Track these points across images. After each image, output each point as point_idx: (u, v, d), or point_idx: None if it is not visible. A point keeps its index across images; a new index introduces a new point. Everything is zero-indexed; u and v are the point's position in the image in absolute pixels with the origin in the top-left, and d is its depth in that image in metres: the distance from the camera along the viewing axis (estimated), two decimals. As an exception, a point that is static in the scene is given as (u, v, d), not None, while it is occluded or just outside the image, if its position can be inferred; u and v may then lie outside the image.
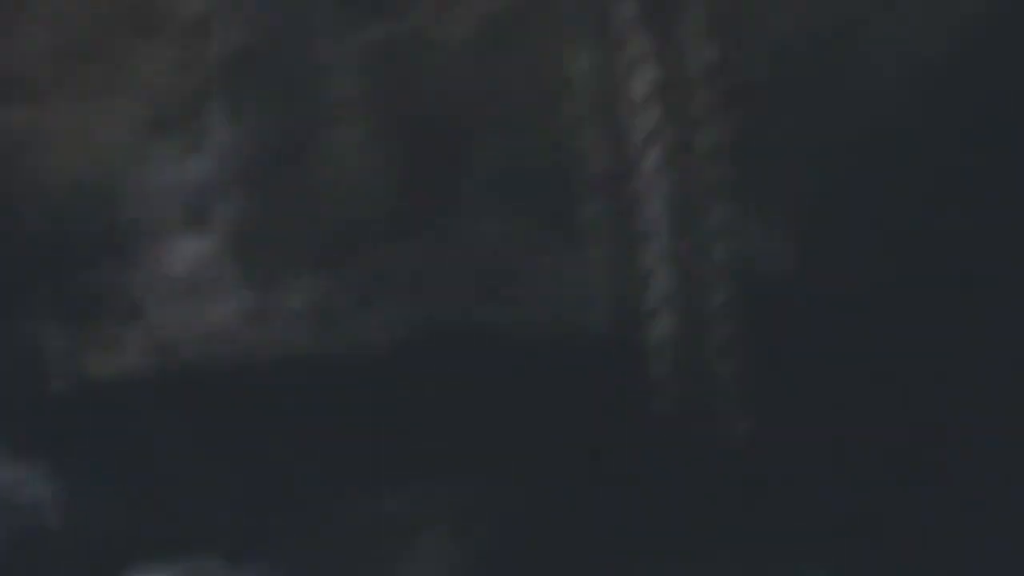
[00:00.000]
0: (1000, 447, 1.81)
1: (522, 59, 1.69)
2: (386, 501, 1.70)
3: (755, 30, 1.63)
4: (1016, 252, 1.74)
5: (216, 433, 1.74)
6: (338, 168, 1.70)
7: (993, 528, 1.73)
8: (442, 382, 1.71)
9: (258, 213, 1.70)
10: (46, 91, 1.73)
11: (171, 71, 1.67)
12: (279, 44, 1.69)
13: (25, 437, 1.81)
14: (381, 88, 1.67)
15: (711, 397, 1.69)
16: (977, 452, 1.80)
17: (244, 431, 1.70)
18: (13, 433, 1.85)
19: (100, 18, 1.67)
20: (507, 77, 1.69)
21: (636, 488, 1.76)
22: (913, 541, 1.77)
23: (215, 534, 1.76)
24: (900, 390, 1.77)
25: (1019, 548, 1.69)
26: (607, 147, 1.68)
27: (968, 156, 1.73)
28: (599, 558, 1.74)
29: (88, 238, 1.73)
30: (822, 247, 1.71)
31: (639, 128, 1.68)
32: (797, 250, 1.71)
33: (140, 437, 1.76)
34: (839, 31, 1.65)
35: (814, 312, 1.66)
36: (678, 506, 1.76)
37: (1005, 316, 1.75)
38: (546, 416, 1.69)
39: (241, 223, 1.71)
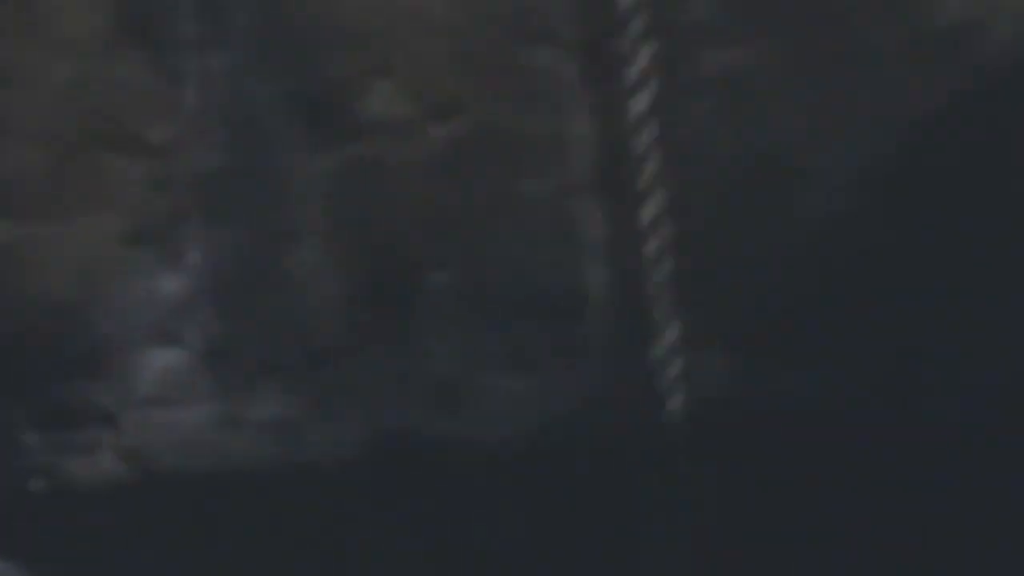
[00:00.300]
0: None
1: (476, 183, 1.73)
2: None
3: (698, 184, 1.66)
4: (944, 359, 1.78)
5: (185, 535, 1.78)
6: (302, 286, 1.74)
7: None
8: (399, 492, 1.74)
9: (228, 328, 1.74)
10: (27, 208, 1.76)
11: (146, 190, 1.71)
12: (247, 167, 1.72)
13: (3, 535, 1.85)
14: (342, 210, 1.71)
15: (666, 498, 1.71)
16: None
17: (212, 535, 1.74)
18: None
19: (78, 138, 1.71)
20: (462, 200, 1.72)
21: None
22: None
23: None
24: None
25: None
26: (556, 269, 1.71)
27: (895, 287, 1.77)
28: None
29: (65, 348, 1.76)
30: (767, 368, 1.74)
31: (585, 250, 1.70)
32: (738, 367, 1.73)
33: (113, 537, 1.80)
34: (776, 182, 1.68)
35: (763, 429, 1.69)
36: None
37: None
38: (502, 527, 1.73)
39: (211, 337, 1.75)
